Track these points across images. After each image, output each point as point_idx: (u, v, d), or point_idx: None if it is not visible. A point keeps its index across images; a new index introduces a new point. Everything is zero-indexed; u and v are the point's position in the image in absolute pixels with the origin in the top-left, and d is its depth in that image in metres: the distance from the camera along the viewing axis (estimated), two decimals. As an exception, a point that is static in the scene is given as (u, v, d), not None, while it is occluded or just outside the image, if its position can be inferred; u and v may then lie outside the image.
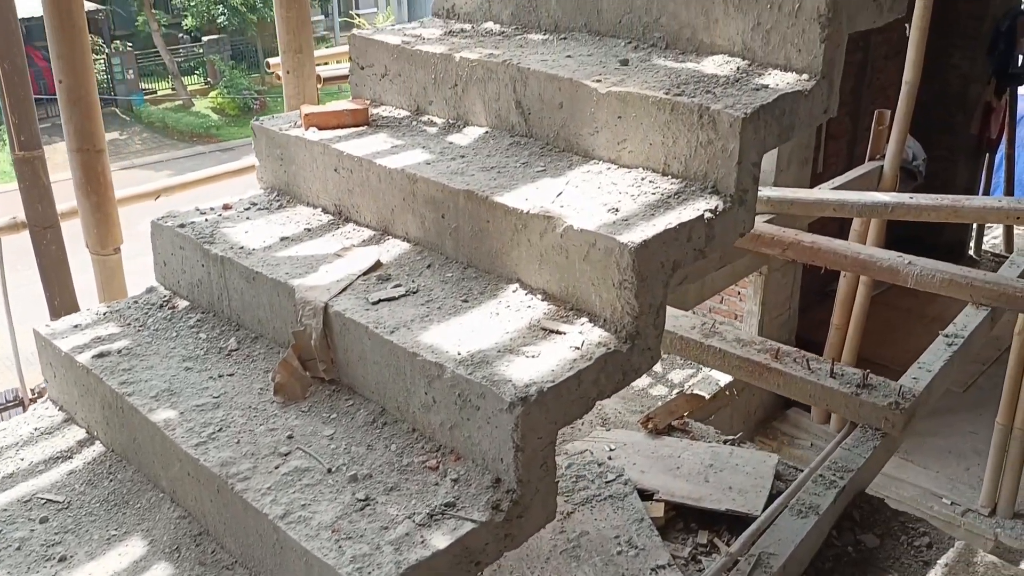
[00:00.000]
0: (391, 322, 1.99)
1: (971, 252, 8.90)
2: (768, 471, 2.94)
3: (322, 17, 29.94)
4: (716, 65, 2.36)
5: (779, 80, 2.23)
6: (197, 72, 26.53)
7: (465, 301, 2.08)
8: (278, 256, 2.32)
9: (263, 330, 2.32)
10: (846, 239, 5.47)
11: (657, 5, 2.50)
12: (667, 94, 2.15)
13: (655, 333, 1.97)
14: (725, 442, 3.16)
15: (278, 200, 2.67)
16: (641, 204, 2.06)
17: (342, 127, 2.61)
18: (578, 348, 1.87)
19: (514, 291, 2.12)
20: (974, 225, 8.55)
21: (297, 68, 2.89)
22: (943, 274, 3.56)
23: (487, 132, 2.54)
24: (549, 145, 2.42)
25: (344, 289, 2.13)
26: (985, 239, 9.13)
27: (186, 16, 25.29)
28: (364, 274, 2.20)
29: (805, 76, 2.24)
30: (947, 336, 3.41)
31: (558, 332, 1.93)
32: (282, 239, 2.41)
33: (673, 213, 2.01)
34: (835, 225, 6.34)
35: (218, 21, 24.51)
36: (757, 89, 2.18)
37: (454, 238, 2.25)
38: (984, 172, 8.41)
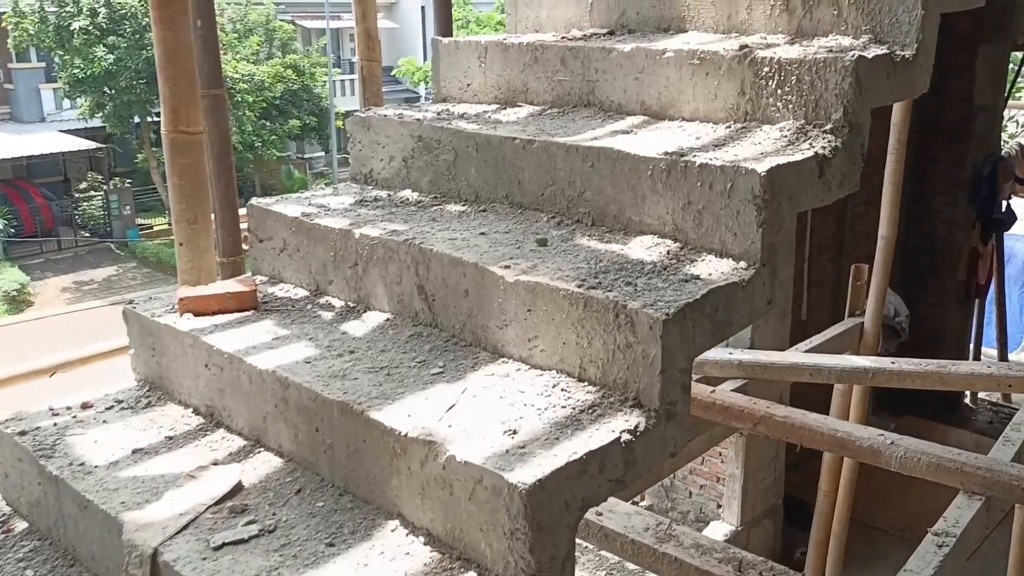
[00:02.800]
0: (230, 577, 1.60)
1: (967, 399, 8.50)
2: None
3: (321, 153, 30.52)
4: (644, 248, 2.05)
5: (713, 268, 1.92)
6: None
7: (331, 544, 1.69)
8: (122, 476, 1.94)
9: (99, 569, 1.91)
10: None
11: (581, 178, 2.22)
12: (580, 286, 1.83)
13: (560, 594, 1.57)
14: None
15: (148, 396, 2.31)
16: (547, 422, 1.70)
17: (225, 312, 2.29)
18: (454, 621, 1.47)
19: (393, 530, 1.73)
20: (970, 359, 8.23)
21: (191, 240, 2.60)
22: (929, 456, 3.17)
23: (388, 320, 2.21)
24: (455, 338, 2.09)
25: (186, 526, 1.74)
26: (982, 384, 8.69)
27: (186, 153, 25.75)
28: (217, 503, 1.81)
29: (743, 264, 1.93)
30: (937, 535, 2.98)
31: (433, 595, 1.54)
32: (135, 451, 2.04)
33: (583, 435, 1.65)
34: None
35: (216, 159, 24.90)
36: (686, 280, 1.86)
37: (329, 457, 1.87)
38: (975, 319, 8.13)
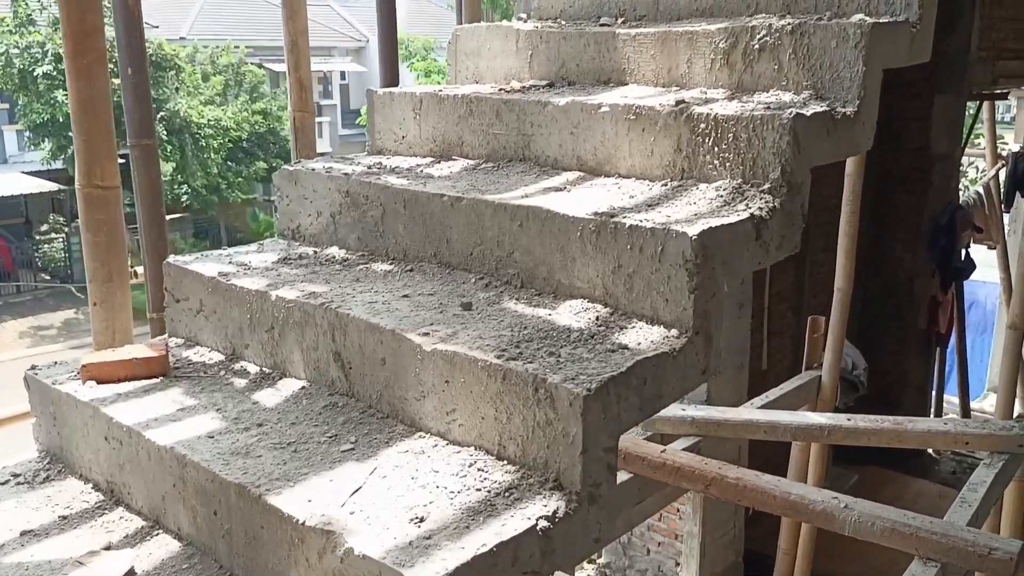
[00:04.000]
0: None
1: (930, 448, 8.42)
2: None
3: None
4: (572, 314, 1.94)
5: (643, 337, 1.81)
6: (154, 251, 26.51)
7: (218, 644, 1.54)
8: (3, 563, 1.77)
9: (-31, 668, 1.74)
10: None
11: (510, 238, 2.11)
12: (500, 357, 1.71)
13: None
14: None
15: (48, 470, 2.14)
16: (459, 507, 1.57)
17: (133, 379, 2.14)
18: None
19: (289, 627, 1.58)
20: (932, 407, 8.17)
21: (106, 299, 2.46)
22: (884, 521, 3.06)
23: (304, 388, 2.07)
24: (372, 408, 1.95)
25: (61, 623, 1.58)
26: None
27: (152, 196, 25.51)
28: (100, 596, 1.65)
29: (674, 332, 1.82)
30: (893, 606, 2.86)
31: None
32: (23, 533, 1.87)
33: (496, 523, 1.52)
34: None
35: (182, 201, 24.67)
36: (613, 350, 1.75)
37: (228, 543, 1.72)
38: (937, 368, 8.10)
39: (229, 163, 24.40)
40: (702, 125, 2.13)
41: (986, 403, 9.20)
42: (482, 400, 1.73)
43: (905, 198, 7.71)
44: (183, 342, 2.41)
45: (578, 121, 2.38)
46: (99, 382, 2.11)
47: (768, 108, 2.11)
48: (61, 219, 26.47)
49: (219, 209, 26.02)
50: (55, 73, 21.82)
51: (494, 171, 2.50)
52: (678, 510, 5.79)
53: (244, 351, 2.25)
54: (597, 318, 1.91)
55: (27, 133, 23.48)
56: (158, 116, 22.86)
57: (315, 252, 2.49)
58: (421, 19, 27.38)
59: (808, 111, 2.05)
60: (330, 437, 1.84)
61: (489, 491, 1.61)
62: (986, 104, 8.43)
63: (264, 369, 2.17)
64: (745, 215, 1.92)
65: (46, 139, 23.51)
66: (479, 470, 1.69)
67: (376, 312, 1.97)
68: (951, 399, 8.54)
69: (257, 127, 25.33)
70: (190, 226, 26.44)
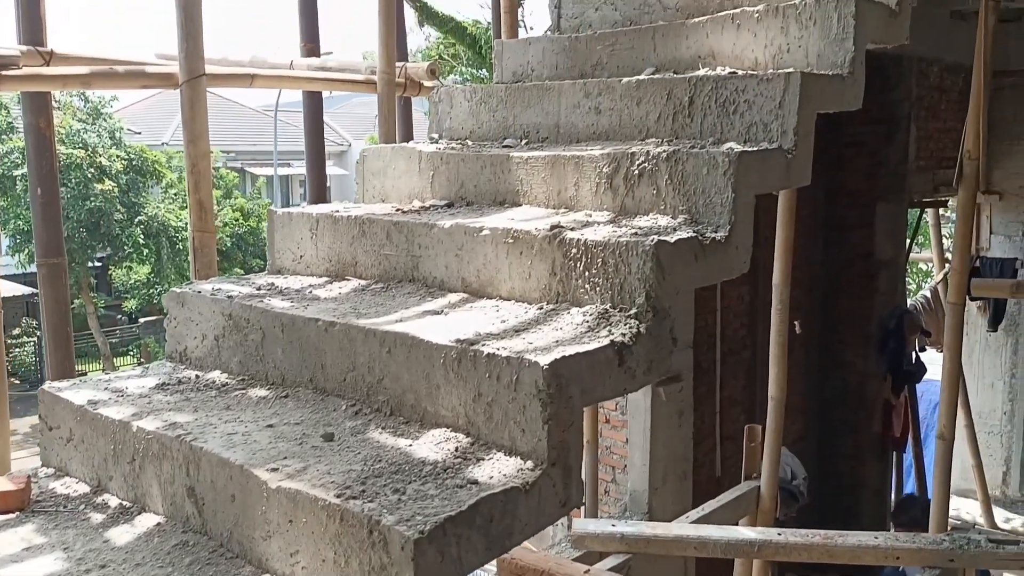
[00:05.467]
0: None
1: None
2: None
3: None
4: (433, 444, 1.89)
5: (496, 470, 1.76)
6: (132, 353, 26.28)
7: None
8: None
9: None
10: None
11: (380, 365, 2.08)
12: (340, 496, 1.66)
13: None
14: None
15: None
16: (282, 660, 1.49)
17: (-14, 514, 2.05)
18: None
19: None
20: (892, 496, 8.04)
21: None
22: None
23: (159, 524, 1.99)
24: (223, 548, 1.88)
25: None
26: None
27: (127, 299, 25.45)
28: None
29: (529, 464, 1.78)
30: None
31: None
32: None
33: None
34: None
35: (155, 303, 24.60)
36: (461, 485, 1.70)
37: None
38: (894, 472, 8.03)
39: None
40: (573, 250, 2.14)
41: (950, 506, 9.06)
42: (322, 541, 1.66)
43: (853, 303, 7.79)
44: (53, 472, 2.33)
45: (462, 243, 2.38)
46: (-52, 517, 2.02)
47: (636, 234, 2.13)
48: (34, 323, 26.26)
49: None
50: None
51: (382, 292, 2.49)
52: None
53: (108, 483, 2.17)
54: (456, 449, 1.86)
55: (10, 240, 23.56)
56: (135, 220, 23.06)
57: (197, 376, 2.44)
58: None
59: (672, 237, 2.07)
60: (170, 580, 1.76)
61: (318, 641, 1.53)
62: (931, 211, 8.62)
63: (124, 503, 2.10)
64: (606, 341, 1.90)
65: (28, 245, 23.55)
66: (315, 617, 1.61)
67: (233, 445, 1.92)
68: (912, 504, 8.41)
69: (238, 228, 25.54)
70: (165, 329, 26.28)
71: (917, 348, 7.90)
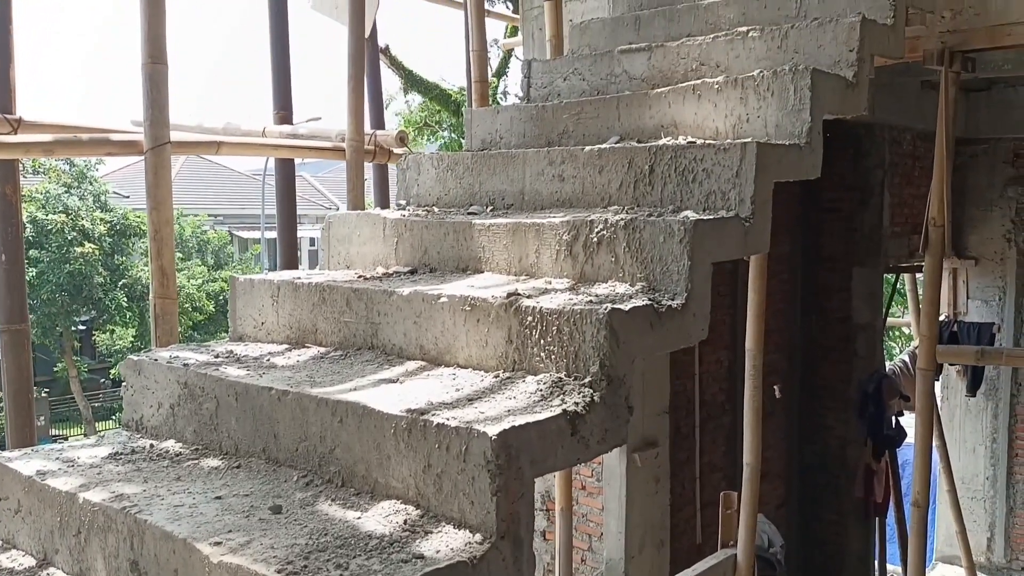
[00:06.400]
0: None
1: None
2: None
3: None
4: (382, 516, 1.86)
5: (444, 543, 1.73)
6: (114, 418, 25.98)
7: None
8: None
9: None
10: None
11: (332, 435, 2.05)
12: (280, 571, 1.62)
13: None
14: None
15: None
16: None
17: (-78, 590, 1.99)
18: None
19: None
20: (876, 562, 7.92)
21: (-77, 499, 2.32)
22: None
23: (101, 600, 1.94)
24: (164, 624, 1.82)
25: None
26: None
27: (111, 362, 25.23)
28: None
29: (478, 537, 1.75)
30: None
31: None
32: None
33: None
34: None
35: (139, 368, 24.32)
36: (407, 560, 1.66)
37: None
38: (877, 537, 7.94)
39: (193, 332, 24.26)
40: (529, 318, 2.14)
41: (935, 573, 8.95)
42: (261, 619, 1.62)
43: (832, 367, 7.80)
44: (1, 544, 2.27)
45: (420, 311, 2.38)
46: None
47: (592, 302, 2.13)
48: None
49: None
50: None
51: (341, 360, 2.47)
52: None
53: (55, 556, 2.12)
54: (405, 521, 1.83)
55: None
56: (119, 284, 22.99)
57: (151, 446, 2.40)
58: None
59: (627, 306, 2.07)
60: (107, 659, 1.70)
61: None
62: (907, 276, 8.70)
63: (68, 577, 2.04)
64: (558, 411, 1.89)
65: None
66: None
67: (179, 517, 1.88)
68: (895, 569, 8.31)
69: (225, 293, 25.48)
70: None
71: (896, 412, 7.88)
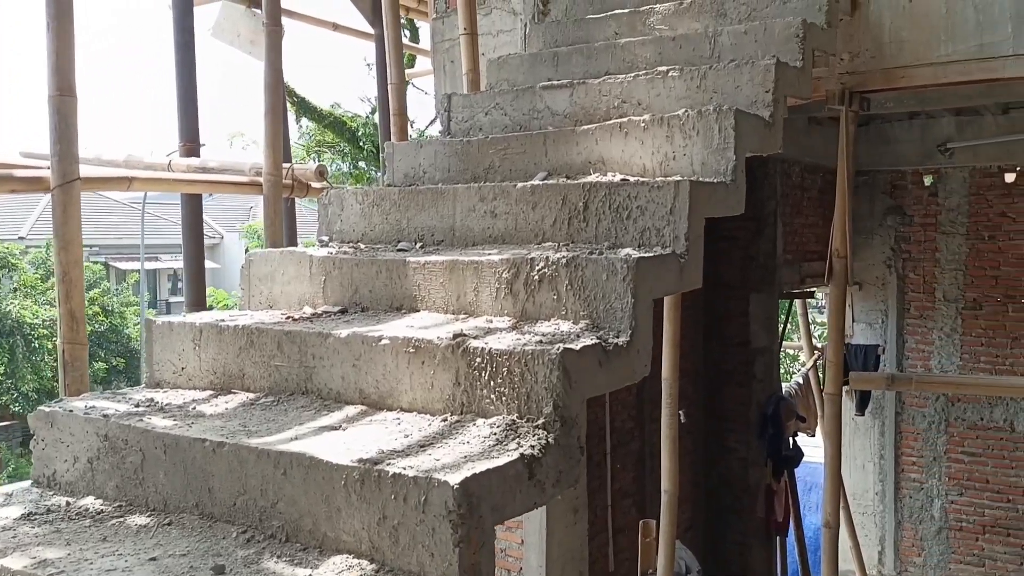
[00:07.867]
0: None
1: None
2: None
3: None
4: (335, 572, 1.77)
5: (406, 600, 1.66)
6: (-18, 472, 24.27)
7: None
8: None
9: None
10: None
11: (274, 487, 1.95)
12: (236, 641, 1.52)
13: None
14: None
15: None
16: None
17: None
18: None
19: None
20: None
21: None
22: None
23: None
24: None
25: None
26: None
27: (-29, 406, 23.60)
28: None
29: (441, 592, 1.69)
30: None
31: None
32: None
33: None
34: None
35: (11, 408, 22.91)
36: (368, 621, 1.59)
37: None
38: (779, 556, 8.18)
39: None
40: (478, 359, 2.10)
41: (832, 589, 9.26)
42: None
43: (734, 390, 8.03)
44: None
45: (360, 353, 2.31)
46: None
47: (541, 341, 2.11)
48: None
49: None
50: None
51: (274, 406, 2.36)
52: None
53: (-38, 633, 1.93)
54: (360, 577, 1.75)
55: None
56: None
57: (68, 503, 2.23)
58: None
59: (578, 345, 2.06)
60: None
61: None
62: (798, 301, 9.06)
63: (-20, 656, 1.86)
64: (515, 455, 1.85)
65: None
66: None
67: (109, 585, 1.75)
68: (797, 589, 8.56)
69: (98, 325, 24.26)
70: (18, 434, 24.44)
71: (792, 433, 8.16)
